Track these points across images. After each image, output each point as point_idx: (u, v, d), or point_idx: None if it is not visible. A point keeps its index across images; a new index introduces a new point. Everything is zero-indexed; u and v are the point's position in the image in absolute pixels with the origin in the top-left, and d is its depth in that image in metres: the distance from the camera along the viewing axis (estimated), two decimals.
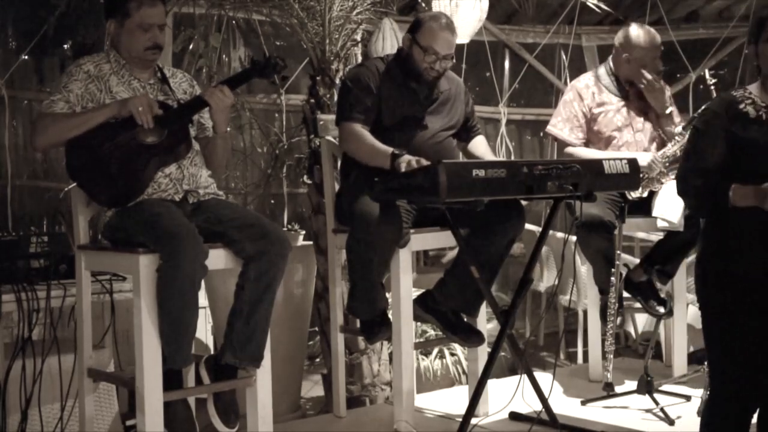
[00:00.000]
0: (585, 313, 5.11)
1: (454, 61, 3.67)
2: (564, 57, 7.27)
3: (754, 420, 2.76)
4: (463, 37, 5.00)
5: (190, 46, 5.45)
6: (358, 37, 4.59)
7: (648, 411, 3.78)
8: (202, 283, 3.07)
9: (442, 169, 2.95)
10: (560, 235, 5.62)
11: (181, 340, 2.95)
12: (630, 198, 4.05)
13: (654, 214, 4.10)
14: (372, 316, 3.63)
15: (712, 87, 4.05)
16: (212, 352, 4.13)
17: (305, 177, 4.49)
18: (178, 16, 5.28)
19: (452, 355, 4.78)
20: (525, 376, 3.53)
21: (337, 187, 3.82)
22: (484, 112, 6.94)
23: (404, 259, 3.45)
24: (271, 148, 5.66)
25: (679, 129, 4.10)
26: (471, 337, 3.59)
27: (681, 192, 2.82)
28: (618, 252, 3.92)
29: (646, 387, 3.80)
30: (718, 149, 2.70)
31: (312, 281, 4.47)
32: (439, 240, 3.64)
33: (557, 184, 3.16)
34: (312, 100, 4.34)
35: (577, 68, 6.84)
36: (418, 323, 4.27)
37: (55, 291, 3.40)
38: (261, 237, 3.04)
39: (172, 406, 3.00)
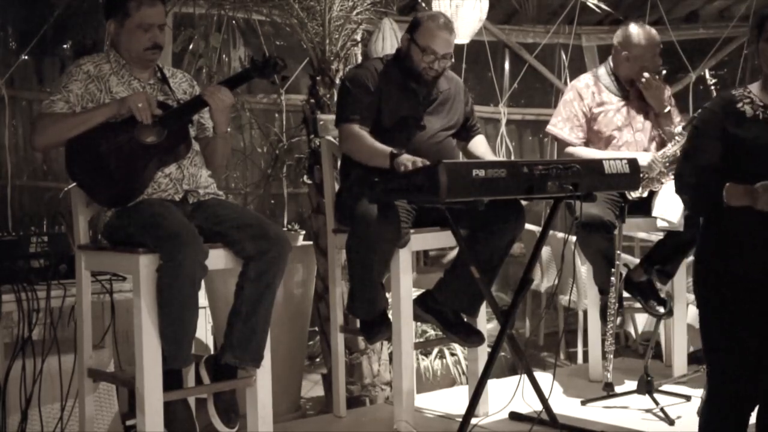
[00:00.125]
0: (585, 313, 5.11)
1: (453, 60, 3.67)
2: (564, 57, 7.27)
3: (753, 420, 2.77)
4: (464, 37, 5.00)
5: (190, 46, 5.44)
6: (358, 37, 4.59)
7: (648, 411, 3.78)
8: (202, 283, 3.07)
9: (442, 169, 2.95)
10: (560, 235, 5.62)
11: (181, 340, 2.96)
12: (630, 198, 4.05)
13: (654, 214, 4.10)
14: (372, 316, 3.63)
15: (712, 87, 4.05)
16: (212, 352, 4.13)
17: (305, 177, 4.49)
18: (178, 16, 5.28)
19: (452, 355, 4.78)
20: (525, 376, 3.53)
21: (337, 187, 3.82)
22: (484, 112, 6.94)
23: (404, 259, 3.45)
24: (271, 148, 5.66)
25: (679, 129, 4.10)
26: (471, 337, 3.59)
27: (678, 190, 2.82)
28: (618, 252, 3.92)
29: (646, 387, 3.80)
30: (715, 148, 2.70)
31: (312, 281, 4.47)
32: (439, 240, 3.64)
33: (557, 184, 3.16)
34: (312, 100, 4.34)
35: (577, 68, 6.84)
36: (418, 323, 4.27)
37: (55, 291, 3.39)
38: (261, 237, 3.04)
39: (172, 406, 3.00)
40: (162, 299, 2.91)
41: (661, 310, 4.14)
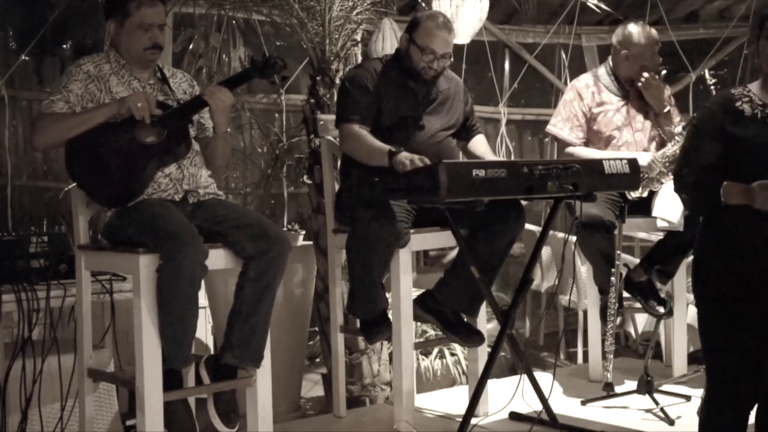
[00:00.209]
0: (585, 313, 5.11)
1: (452, 60, 3.67)
2: (564, 57, 7.27)
3: (753, 420, 2.77)
4: (464, 37, 5.00)
5: (190, 46, 5.45)
6: (358, 37, 4.59)
7: (648, 411, 3.78)
8: (202, 283, 3.07)
9: (442, 169, 2.95)
10: (560, 235, 5.62)
11: (181, 340, 2.96)
12: (630, 198, 4.05)
13: (654, 214, 4.10)
14: (372, 316, 3.63)
15: (712, 87, 4.05)
16: (212, 352, 4.13)
17: (305, 177, 4.49)
18: (178, 16, 5.28)
19: (452, 355, 4.78)
20: (525, 376, 3.53)
21: (337, 187, 3.82)
22: (484, 112, 6.94)
23: (404, 259, 3.45)
24: (271, 148, 5.66)
25: (679, 129, 4.10)
26: (471, 337, 3.59)
27: (677, 189, 2.83)
28: (618, 252, 3.92)
29: (646, 387, 3.80)
30: (714, 147, 2.70)
31: (312, 281, 4.47)
32: (439, 240, 3.64)
33: (557, 184, 3.16)
34: (312, 100, 4.34)
35: (577, 68, 6.84)
36: (418, 323, 4.27)
37: (55, 291, 3.39)
38: (261, 237, 3.04)
39: (172, 406, 3.00)
40: (162, 299, 2.91)
41: (661, 310, 4.14)
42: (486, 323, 3.83)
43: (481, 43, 6.60)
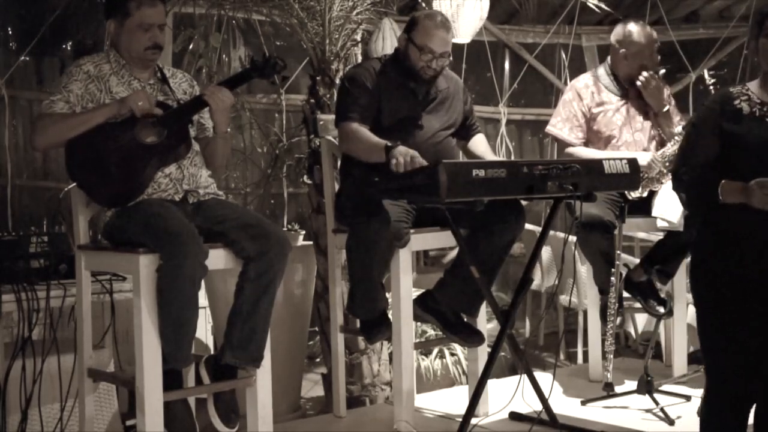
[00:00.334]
0: (585, 313, 5.11)
1: (451, 59, 3.67)
2: (564, 57, 7.27)
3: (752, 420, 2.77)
4: (464, 36, 5.00)
5: (190, 46, 5.45)
6: (358, 37, 4.59)
7: (648, 411, 3.78)
8: (202, 283, 3.07)
9: (442, 169, 2.94)
10: (560, 235, 5.62)
11: (181, 340, 2.95)
12: (630, 198, 4.05)
13: (654, 214, 4.10)
14: (372, 316, 3.63)
15: (712, 87, 4.05)
16: (212, 352, 4.12)
17: (305, 177, 4.49)
18: (178, 16, 5.28)
19: (452, 355, 4.78)
20: (525, 376, 3.53)
21: (337, 187, 3.82)
22: (484, 112, 6.94)
23: (404, 259, 3.45)
24: (271, 148, 5.66)
25: (678, 129, 4.10)
26: (471, 337, 3.59)
27: (675, 187, 2.83)
28: (618, 252, 3.92)
29: (646, 387, 3.80)
30: (711, 145, 2.71)
31: (312, 281, 4.47)
32: (439, 240, 3.64)
33: (557, 184, 3.16)
34: (312, 100, 4.34)
35: (577, 68, 6.84)
36: (418, 323, 4.27)
37: (55, 291, 3.40)
38: (261, 237, 3.04)
39: (172, 406, 3.00)
40: (162, 299, 2.91)
41: (661, 310, 4.14)
42: (486, 323, 3.83)
43: (481, 43, 6.60)
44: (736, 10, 7.02)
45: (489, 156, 3.82)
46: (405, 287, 3.46)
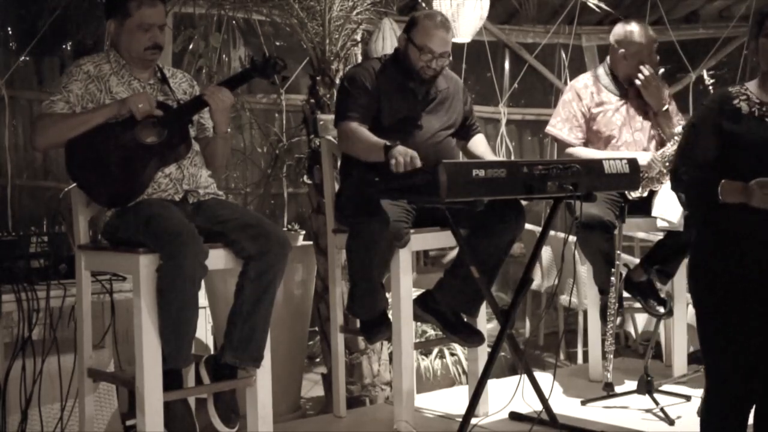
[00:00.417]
0: (585, 313, 5.11)
1: (451, 59, 3.67)
2: (564, 57, 7.27)
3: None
4: (465, 35, 5.00)
5: (190, 46, 5.45)
6: (358, 37, 4.59)
7: (648, 411, 3.78)
8: (202, 283, 3.07)
9: (442, 169, 2.95)
10: (560, 235, 5.62)
11: (181, 340, 2.95)
12: (630, 198, 4.05)
13: (654, 214, 4.10)
14: (372, 316, 3.63)
15: (711, 87, 4.05)
16: (212, 352, 4.12)
17: (305, 177, 4.49)
18: (178, 16, 5.28)
19: (452, 355, 4.78)
20: (525, 376, 3.53)
21: (337, 187, 3.82)
22: (484, 112, 6.94)
23: (404, 259, 3.45)
24: (271, 148, 5.66)
25: (678, 129, 4.10)
26: (471, 337, 3.59)
27: (673, 187, 2.83)
28: (618, 252, 3.92)
29: (646, 387, 3.80)
30: (710, 144, 2.70)
31: (312, 281, 4.47)
32: (439, 240, 3.64)
33: (557, 184, 3.16)
34: (312, 100, 4.34)
35: (577, 68, 6.84)
36: (418, 323, 4.27)
37: (55, 291, 3.40)
38: (261, 237, 3.04)
39: (172, 406, 3.00)
40: (162, 299, 2.91)
41: (661, 310, 4.14)
42: (486, 323, 3.83)
43: (481, 43, 6.60)
44: (736, 10, 7.02)
45: (489, 156, 3.82)
46: (405, 287, 3.46)
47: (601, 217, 3.89)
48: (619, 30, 4.26)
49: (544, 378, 3.76)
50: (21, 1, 5.55)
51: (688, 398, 3.91)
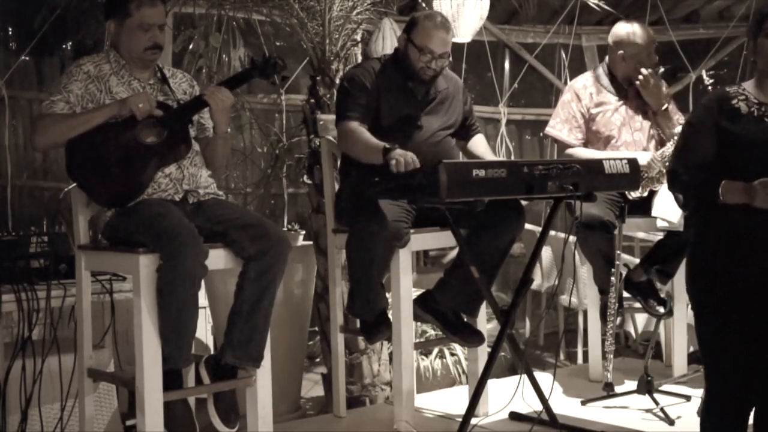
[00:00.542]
0: (585, 313, 5.11)
1: (451, 59, 3.66)
2: (564, 57, 7.27)
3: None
4: (465, 35, 5.00)
5: (190, 46, 5.45)
6: (358, 37, 4.59)
7: (648, 411, 3.78)
8: (202, 283, 3.07)
9: (442, 169, 2.94)
10: (560, 235, 5.62)
11: (181, 340, 2.95)
12: (630, 198, 4.05)
13: (654, 214, 4.09)
14: (372, 316, 3.63)
15: (710, 87, 4.05)
16: (212, 352, 4.13)
17: (305, 177, 4.49)
18: (178, 16, 5.29)
19: (452, 355, 4.78)
20: (525, 376, 3.53)
21: (337, 187, 3.82)
22: (484, 112, 6.94)
23: (404, 259, 3.45)
24: (271, 148, 5.66)
25: (678, 129, 4.09)
26: (471, 337, 3.59)
27: (670, 186, 2.82)
28: (618, 252, 3.92)
29: (646, 387, 3.80)
30: (708, 144, 2.70)
31: (312, 281, 4.47)
32: (439, 240, 3.64)
33: (557, 184, 3.16)
34: (312, 100, 4.34)
35: (577, 68, 6.84)
36: (418, 323, 4.27)
37: (55, 291, 3.40)
38: (261, 237, 3.04)
39: (172, 406, 3.00)
40: (162, 299, 2.91)
41: (661, 310, 4.14)
42: (486, 323, 3.83)
43: (481, 43, 6.60)
44: (736, 10, 7.02)
45: (489, 156, 3.82)
46: (405, 287, 3.46)
47: (601, 217, 3.89)
48: (618, 31, 4.25)
49: (544, 378, 3.76)
50: (21, 1, 5.55)
51: (688, 398, 3.91)
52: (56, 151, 3.46)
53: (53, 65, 5.80)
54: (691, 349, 4.58)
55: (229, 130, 3.27)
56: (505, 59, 7.26)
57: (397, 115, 3.60)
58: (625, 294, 4.14)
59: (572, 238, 3.91)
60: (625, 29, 4.22)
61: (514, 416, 3.65)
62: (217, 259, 3.05)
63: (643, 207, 4.12)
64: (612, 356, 3.90)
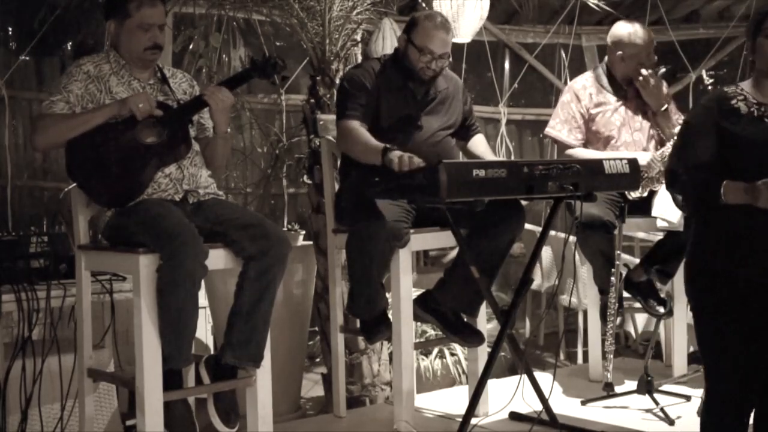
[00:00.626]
0: (585, 313, 5.11)
1: (451, 60, 3.66)
2: (564, 57, 7.27)
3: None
4: (465, 35, 5.00)
5: (190, 46, 5.45)
6: (358, 37, 4.59)
7: (648, 411, 3.78)
8: (202, 283, 3.07)
9: (442, 169, 2.94)
10: (560, 235, 5.62)
11: (181, 340, 2.95)
12: (630, 198, 4.05)
13: (654, 214, 4.09)
14: (372, 316, 3.63)
15: (710, 87, 4.05)
16: (212, 352, 4.13)
17: (305, 177, 4.49)
18: (178, 16, 5.29)
19: (452, 355, 4.78)
20: (525, 376, 3.53)
21: (337, 187, 3.82)
22: (484, 112, 6.95)
23: (404, 259, 3.45)
24: (271, 148, 5.67)
25: (678, 129, 4.09)
26: (471, 337, 3.59)
27: (668, 185, 2.82)
28: (618, 252, 3.92)
29: (646, 387, 3.80)
30: (708, 144, 2.70)
31: (312, 281, 4.47)
32: (439, 240, 3.64)
33: (557, 184, 3.16)
34: (312, 100, 4.34)
35: (577, 68, 6.84)
36: (418, 323, 4.27)
37: (55, 291, 3.40)
38: (261, 237, 3.04)
39: (172, 406, 3.00)
40: (162, 299, 2.91)
41: (661, 310, 4.14)
42: (486, 323, 3.83)
43: (481, 43, 6.60)
44: (736, 10, 7.02)
45: (489, 156, 3.82)
46: (405, 287, 3.46)
47: (601, 217, 3.89)
48: (617, 31, 4.25)
49: (544, 378, 3.76)
50: (21, 1, 5.55)
51: (688, 398, 3.91)
52: (56, 151, 3.46)
53: (53, 65, 5.80)
54: (691, 349, 4.58)
55: (229, 130, 3.27)
56: (505, 59, 7.26)
57: (397, 115, 3.60)
58: (625, 294, 4.14)
59: (572, 238, 3.91)
60: (625, 29, 4.22)
61: (514, 416, 3.65)
62: (217, 259, 3.05)
63: (643, 207, 4.12)
64: (612, 356, 3.90)
